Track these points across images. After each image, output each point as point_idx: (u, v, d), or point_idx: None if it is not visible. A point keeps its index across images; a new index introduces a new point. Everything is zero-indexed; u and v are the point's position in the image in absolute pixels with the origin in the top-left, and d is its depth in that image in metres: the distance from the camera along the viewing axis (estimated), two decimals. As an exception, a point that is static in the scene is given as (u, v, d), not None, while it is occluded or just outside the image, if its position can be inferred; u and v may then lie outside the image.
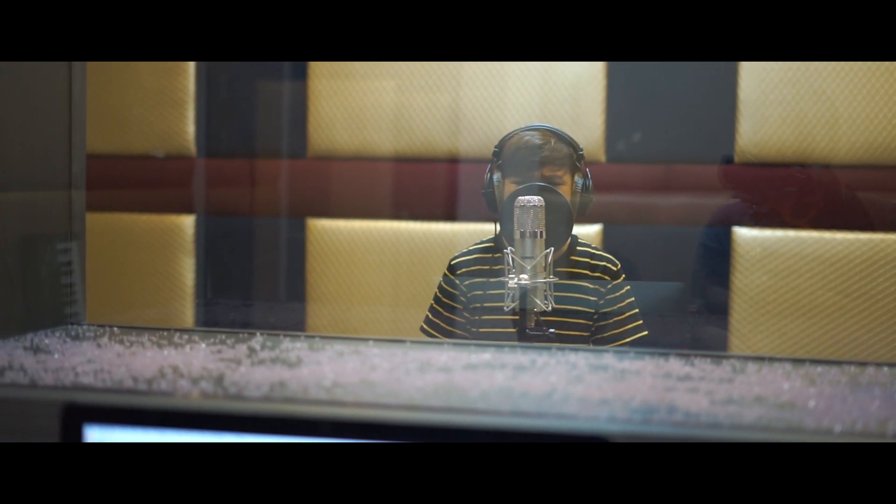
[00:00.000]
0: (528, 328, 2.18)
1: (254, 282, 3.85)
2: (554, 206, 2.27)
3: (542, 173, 2.42)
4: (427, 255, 3.58)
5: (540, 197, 2.19)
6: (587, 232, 3.31)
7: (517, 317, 2.22)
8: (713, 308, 3.42)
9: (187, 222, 3.74)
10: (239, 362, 1.48)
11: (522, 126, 2.54)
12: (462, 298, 2.59)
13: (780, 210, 3.41)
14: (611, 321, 2.53)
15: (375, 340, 1.67)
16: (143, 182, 3.79)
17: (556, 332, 2.28)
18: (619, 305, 2.54)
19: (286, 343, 1.64)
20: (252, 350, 1.58)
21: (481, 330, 2.56)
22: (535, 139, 2.46)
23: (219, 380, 1.35)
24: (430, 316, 2.64)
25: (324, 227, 3.64)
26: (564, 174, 2.45)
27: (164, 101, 3.71)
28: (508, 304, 2.18)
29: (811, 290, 3.32)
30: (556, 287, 2.30)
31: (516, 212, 2.18)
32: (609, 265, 2.58)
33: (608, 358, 1.56)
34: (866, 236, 3.28)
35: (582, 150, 2.51)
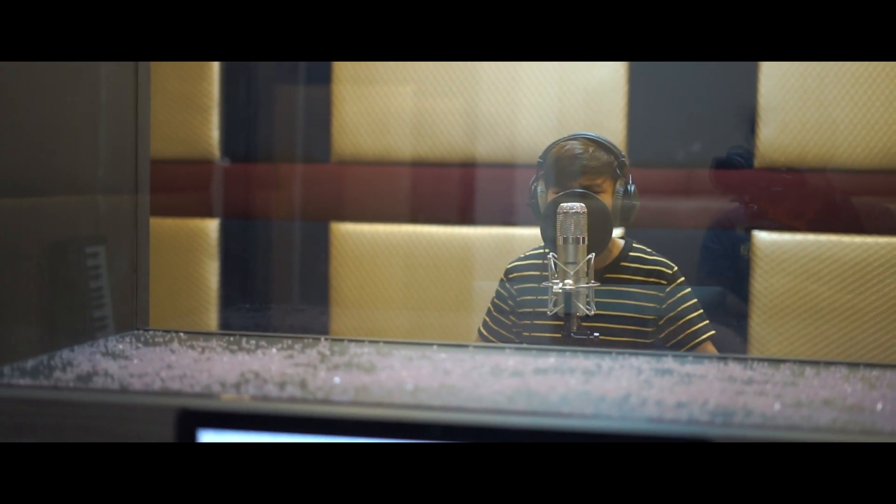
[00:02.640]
0: (572, 332, 2.23)
1: (277, 285, 3.89)
2: (593, 212, 2.32)
3: (582, 182, 2.47)
4: (446, 259, 3.62)
5: (582, 203, 2.24)
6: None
7: (561, 322, 2.26)
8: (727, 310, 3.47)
9: (211, 226, 3.78)
10: (315, 367, 1.52)
11: (564, 136, 2.59)
12: (510, 302, 2.65)
13: (776, 212, 3.46)
14: (676, 326, 2.57)
15: (440, 345, 1.71)
16: (168, 186, 3.82)
17: (607, 337, 2.33)
18: (680, 308, 2.57)
19: (353, 348, 1.68)
20: (323, 355, 1.62)
21: (525, 333, 2.61)
22: (576, 149, 2.51)
23: (303, 384, 1.40)
24: (488, 320, 2.72)
25: (347, 231, 3.69)
26: (604, 181, 2.50)
27: (188, 106, 3.75)
28: (552, 309, 2.23)
29: (830, 294, 3.37)
30: (607, 293, 2.35)
31: (559, 218, 2.23)
32: (663, 269, 2.62)
33: (669, 362, 1.61)
34: (885, 240, 3.33)
35: (624, 157, 2.56)
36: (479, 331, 2.73)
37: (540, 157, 2.59)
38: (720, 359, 1.63)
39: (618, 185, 2.53)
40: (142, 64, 1.82)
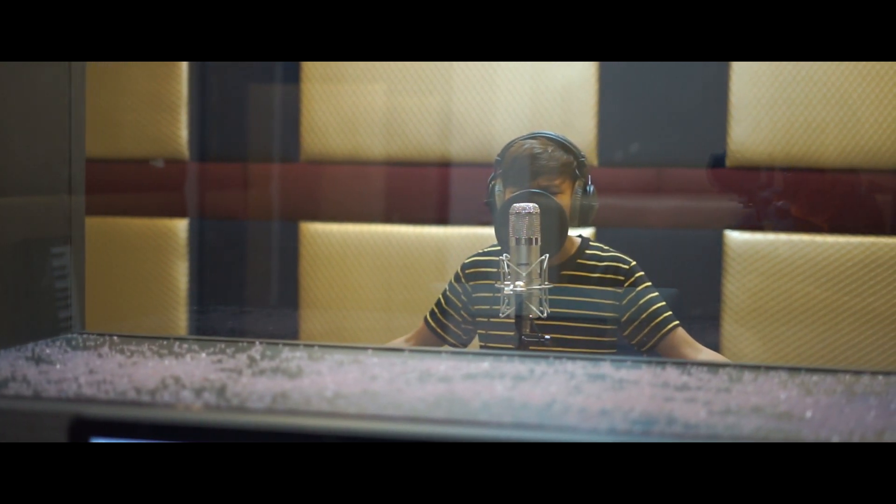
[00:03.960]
0: (524, 334, 2.19)
1: (247, 285, 3.86)
2: (548, 212, 2.29)
3: (539, 182, 2.44)
4: (419, 259, 3.59)
5: (535, 204, 2.20)
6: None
7: (514, 322, 2.23)
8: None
9: (181, 226, 3.75)
10: (240, 372, 1.49)
11: (524, 134, 2.55)
12: (464, 298, 2.62)
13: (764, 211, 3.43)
14: (639, 321, 2.52)
15: (374, 349, 1.68)
16: (137, 186, 3.79)
17: (565, 336, 2.29)
18: (641, 303, 2.53)
19: (286, 352, 1.65)
20: (252, 360, 1.59)
21: (480, 331, 2.58)
22: (535, 148, 2.48)
23: (221, 391, 1.36)
24: (436, 311, 2.68)
25: (316, 231, 3.66)
26: (562, 182, 2.47)
27: (157, 105, 3.72)
28: (504, 311, 2.20)
29: (803, 295, 3.34)
30: (562, 292, 2.31)
31: (511, 218, 2.20)
32: (619, 265, 2.56)
33: (605, 367, 1.57)
34: (857, 240, 3.30)
35: (584, 157, 2.52)
36: (426, 318, 2.70)
37: (498, 156, 2.55)
38: (658, 364, 1.60)
39: (576, 186, 2.49)
40: (75, 64, 1.79)
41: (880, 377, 1.54)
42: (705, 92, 3.45)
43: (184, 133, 3.73)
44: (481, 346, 2.58)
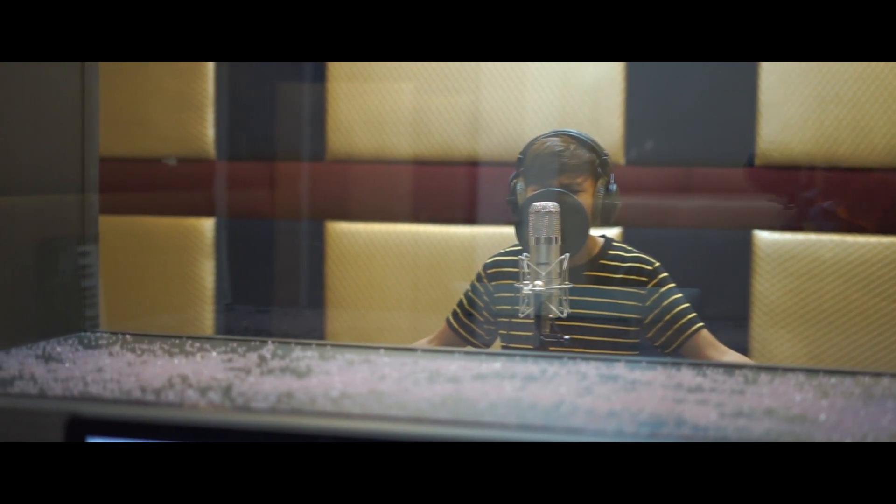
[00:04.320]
0: (543, 335, 2.17)
1: (273, 285, 3.85)
2: (569, 211, 2.26)
3: (561, 180, 2.41)
4: (447, 258, 3.57)
5: (555, 203, 2.18)
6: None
7: (535, 322, 2.20)
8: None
9: (207, 225, 3.75)
10: (248, 372, 1.48)
11: (546, 132, 2.52)
12: (486, 298, 2.59)
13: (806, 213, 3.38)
14: (663, 323, 2.48)
15: (387, 349, 1.66)
16: (163, 185, 3.80)
17: (584, 338, 2.26)
18: (664, 304, 2.48)
19: (297, 351, 1.64)
20: (263, 359, 1.57)
21: (501, 332, 2.55)
22: (556, 146, 2.45)
23: (227, 390, 1.35)
24: (458, 312, 2.66)
25: (343, 230, 3.65)
26: (584, 181, 2.44)
27: (183, 105, 3.73)
28: (524, 311, 2.17)
29: (834, 296, 3.30)
30: (584, 292, 2.29)
31: (531, 217, 2.17)
32: (643, 265, 2.52)
33: (619, 368, 1.55)
34: (889, 239, 3.25)
35: (606, 156, 2.49)
36: (448, 319, 2.67)
37: (520, 153, 2.53)
38: (673, 365, 1.57)
39: (599, 185, 2.46)
40: (89, 64, 1.78)
41: (900, 379, 1.51)
42: (734, 90, 3.40)
43: (210, 132, 3.73)
44: (503, 347, 2.56)
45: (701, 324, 2.49)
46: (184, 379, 1.42)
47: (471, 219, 3.64)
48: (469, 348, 2.59)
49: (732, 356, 2.48)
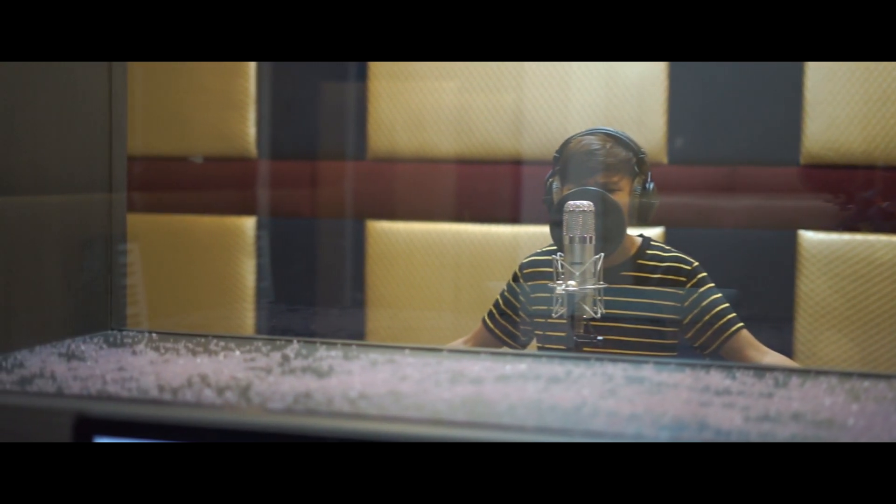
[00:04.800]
0: (577, 335, 2.14)
1: (314, 283, 3.85)
2: (606, 210, 2.23)
3: (597, 179, 2.38)
4: (488, 258, 3.55)
5: (590, 202, 2.14)
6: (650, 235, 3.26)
7: (568, 323, 2.17)
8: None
9: (248, 224, 3.75)
10: (269, 371, 1.46)
11: (583, 130, 2.49)
12: (522, 298, 2.56)
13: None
14: (702, 324, 2.43)
15: (412, 349, 1.64)
16: (204, 184, 3.81)
17: (620, 339, 2.23)
18: (704, 305, 2.44)
19: (321, 351, 1.62)
20: (286, 358, 1.56)
21: (537, 332, 2.52)
22: (593, 144, 2.41)
23: (244, 390, 1.34)
24: (494, 312, 2.63)
25: (384, 229, 3.63)
26: (620, 179, 2.40)
27: (225, 104, 3.73)
28: (557, 311, 2.14)
29: (880, 297, 3.23)
30: (621, 293, 2.25)
31: (565, 216, 2.14)
32: (681, 265, 2.47)
33: (647, 370, 1.52)
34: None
35: (644, 154, 2.45)
36: (483, 319, 2.65)
37: (556, 152, 2.50)
38: (703, 367, 1.54)
39: (635, 184, 2.43)
40: (116, 64, 1.78)
41: (936, 384, 1.46)
42: (779, 88, 3.35)
43: (252, 131, 3.73)
44: (538, 348, 2.53)
45: (741, 324, 2.44)
46: (203, 378, 1.41)
47: (514, 218, 3.61)
48: (500, 349, 2.57)
49: (773, 357, 2.43)
